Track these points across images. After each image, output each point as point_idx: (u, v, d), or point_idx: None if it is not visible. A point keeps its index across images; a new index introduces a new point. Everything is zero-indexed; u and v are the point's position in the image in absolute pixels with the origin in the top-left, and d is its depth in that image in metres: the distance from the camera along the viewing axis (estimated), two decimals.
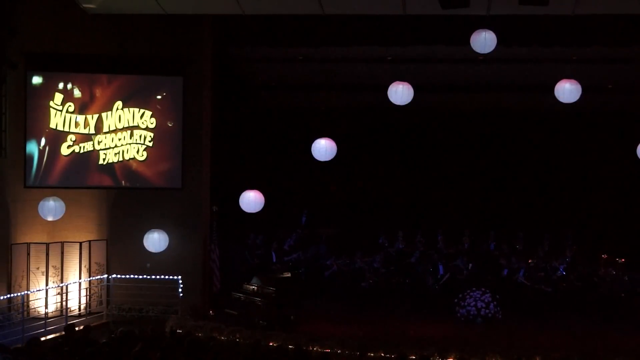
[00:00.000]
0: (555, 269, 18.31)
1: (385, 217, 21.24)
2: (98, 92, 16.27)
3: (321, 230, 20.88)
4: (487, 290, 16.86)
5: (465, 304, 16.65)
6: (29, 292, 15.88)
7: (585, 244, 19.62)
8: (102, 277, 16.62)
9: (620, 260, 18.38)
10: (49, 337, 14.54)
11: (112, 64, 16.31)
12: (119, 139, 16.28)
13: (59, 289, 16.26)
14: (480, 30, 13.79)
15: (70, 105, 16.21)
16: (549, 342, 14.92)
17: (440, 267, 18.77)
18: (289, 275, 16.83)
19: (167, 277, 16.28)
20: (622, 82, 18.70)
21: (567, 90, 14.83)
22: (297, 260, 19.44)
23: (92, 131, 16.25)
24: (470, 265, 18.71)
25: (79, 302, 16.45)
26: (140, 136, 16.34)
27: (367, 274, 18.76)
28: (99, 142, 16.27)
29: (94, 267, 16.64)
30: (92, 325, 14.73)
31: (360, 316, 16.91)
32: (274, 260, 19.23)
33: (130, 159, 16.31)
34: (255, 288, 16.12)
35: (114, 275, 16.54)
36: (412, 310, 17.53)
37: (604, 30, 15.56)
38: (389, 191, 21.77)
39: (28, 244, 16.24)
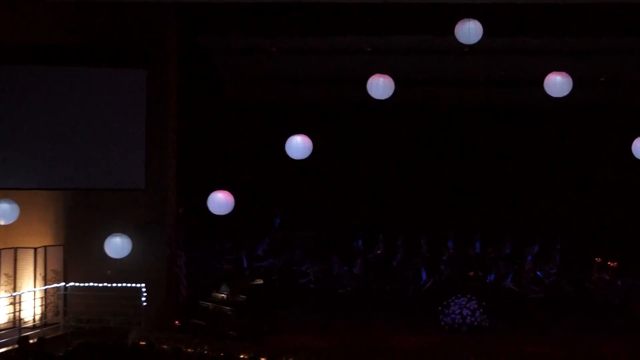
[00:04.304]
0: (545, 274, 18.35)
1: (365, 220, 21.21)
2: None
3: (296, 233, 20.86)
4: (473, 297, 16.86)
5: (450, 311, 16.62)
6: None
7: (577, 247, 19.70)
8: (58, 285, 16.45)
9: (612, 264, 18.46)
10: (0, 350, 14.34)
11: (69, 55, 16.13)
12: None
13: (12, 298, 16.05)
14: (465, 19, 13.76)
15: None
16: (538, 352, 14.94)
17: (423, 273, 18.77)
18: (261, 282, 16.80)
19: (129, 285, 16.18)
20: (616, 74, 18.80)
21: (558, 84, 14.81)
22: (269, 266, 19.37)
23: None
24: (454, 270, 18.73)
25: (34, 313, 16.25)
26: None
27: (345, 281, 18.71)
28: None
29: (49, 275, 16.46)
30: (47, 337, 14.46)
31: (337, 326, 16.84)
32: (245, 266, 19.20)
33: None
34: (225, 296, 16.07)
35: (72, 284, 16.39)
36: (393, 319, 17.50)
37: (596, 19, 15.61)
38: (368, 192, 21.73)
39: None
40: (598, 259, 18.75)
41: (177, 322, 16.48)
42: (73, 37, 16.15)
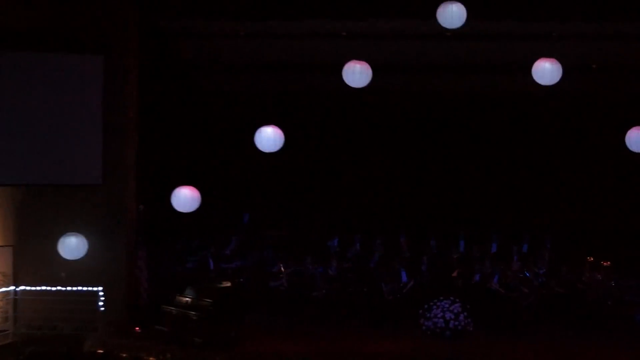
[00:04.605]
0: (534, 275, 18.48)
1: (341, 217, 21.26)
2: None
3: (266, 232, 20.84)
4: (457, 300, 16.96)
5: (432, 315, 16.72)
6: None
7: (567, 245, 19.83)
8: (7, 289, 16.36)
9: (605, 264, 18.63)
10: None
11: (20, 40, 16.05)
12: None
13: None
14: (448, 2, 13.85)
15: None
16: (526, 358, 15.05)
17: (403, 274, 18.82)
18: (229, 284, 16.79)
19: (85, 288, 16.16)
20: (608, 61, 18.94)
21: (547, 71, 14.98)
22: (238, 267, 19.34)
23: None
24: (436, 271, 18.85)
25: None
26: None
27: (319, 282, 18.74)
28: None
29: None
30: None
31: (311, 331, 16.95)
32: (212, 267, 19.11)
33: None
34: (190, 300, 16.06)
35: (23, 287, 16.34)
36: (371, 323, 17.62)
37: (587, 3, 15.73)
38: (344, 188, 21.78)
39: None
40: (590, 258, 18.89)
41: (137, 328, 16.45)
42: (25, 21, 16.06)
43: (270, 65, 19.52)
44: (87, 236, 15.82)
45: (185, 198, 15.96)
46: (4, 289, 16.34)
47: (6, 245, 16.52)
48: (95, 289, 16.18)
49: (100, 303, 16.14)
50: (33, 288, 16.26)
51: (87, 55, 16.24)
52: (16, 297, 16.33)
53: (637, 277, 18.85)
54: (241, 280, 18.30)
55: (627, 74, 19.43)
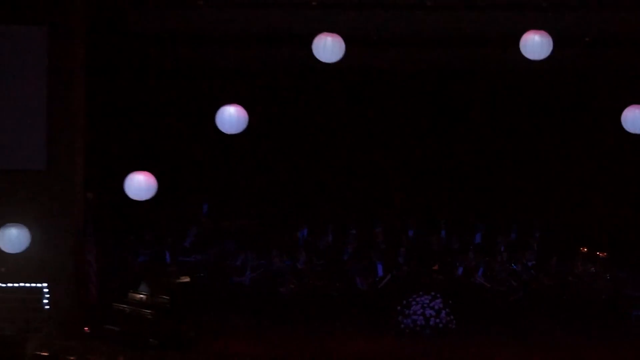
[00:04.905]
0: (522, 267, 18.54)
1: (311, 206, 21.24)
2: None
3: (229, 222, 20.79)
4: (438, 295, 16.98)
5: (411, 312, 16.77)
6: None
7: (558, 235, 19.90)
8: None
9: (601, 255, 18.70)
10: None
11: None
12: None
13: None
14: None
15: None
16: (513, 358, 15.08)
17: (379, 267, 18.83)
18: (188, 280, 16.77)
19: (28, 285, 16.07)
20: (602, 34, 18.95)
21: (536, 44, 14.91)
22: (197, 260, 19.29)
23: None
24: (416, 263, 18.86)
25: None
26: None
27: (287, 277, 18.70)
28: None
29: None
30: None
31: (279, 330, 16.95)
32: (168, 261, 19.05)
33: None
34: (144, 297, 16.04)
35: None
36: (345, 322, 17.58)
37: None
38: (314, 173, 21.71)
39: None
40: (584, 249, 18.98)
41: (86, 328, 16.39)
42: None
43: (232, 38, 19.36)
44: (30, 227, 15.57)
45: (140, 185, 15.79)
46: None
47: None
48: (39, 285, 16.10)
49: (45, 301, 16.07)
50: None
51: (30, 27, 16.05)
52: None
53: (635, 269, 18.94)
54: (201, 275, 18.28)
55: (623, 48, 19.47)
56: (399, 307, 16.97)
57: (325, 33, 15.14)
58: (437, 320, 16.64)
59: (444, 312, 16.73)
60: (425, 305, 16.79)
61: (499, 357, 15.36)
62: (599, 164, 20.98)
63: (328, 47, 15.03)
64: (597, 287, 18.16)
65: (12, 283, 16.04)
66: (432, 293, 17.07)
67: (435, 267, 18.79)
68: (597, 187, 20.91)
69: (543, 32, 14.91)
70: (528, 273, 18.45)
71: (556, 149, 21.32)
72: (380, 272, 18.85)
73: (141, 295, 16.05)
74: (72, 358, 13.72)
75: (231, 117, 15.90)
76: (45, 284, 16.07)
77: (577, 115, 21.00)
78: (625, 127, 15.71)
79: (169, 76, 21.10)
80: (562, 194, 21.07)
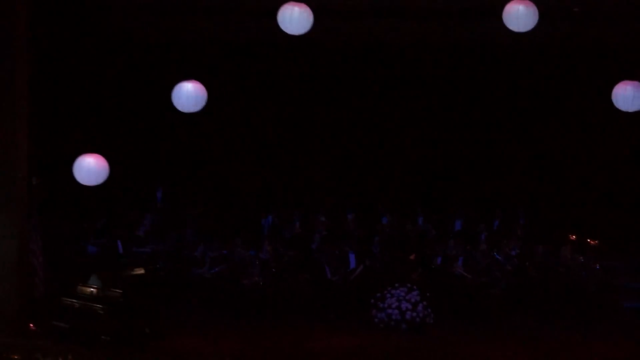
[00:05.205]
0: (505, 256, 18.62)
1: (276, 191, 21.25)
2: None
3: (186, 210, 20.76)
4: (415, 287, 17.05)
5: (385, 305, 16.84)
6: None
7: (545, 221, 20.00)
8: None
9: (592, 243, 18.81)
10: None
11: None
12: None
13: None
14: None
15: None
16: (495, 355, 15.18)
17: (352, 257, 18.87)
18: (143, 272, 16.78)
19: None
20: (592, 4, 19.03)
21: (521, 15, 14.96)
22: (153, 251, 19.27)
23: None
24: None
25: None
26: None
27: (251, 268, 18.71)
28: None
29: None
30: None
31: (241, 326, 16.95)
32: (121, 252, 19.02)
33: None
34: (95, 291, 15.95)
35: None
36: (314, 316, 17.62)
37: None
38: (279, 155, 21.73)
39: None
40: (572, 237, 19.09)
41: (31, 325, 16.33)
42: None
43: (190, 9, 19.29)
44: None
45: (90, 168, 15.73)
46: None
47: None
48: None
49: None
50: None
51: None
52: None
53: (627, 258, 19.10)
54: (157, 266, 18.23)
55: (614, 20, 19.54)
56: (372, 300, 17.03)
57: (292, 2, 15.13)
58: (414, 314, 16.70)
59: (421, 305, 16.78)
60: (401, 298, 16.84)
61: (479, 354, 15.44)
62: (590, 145, 21.11)
63: (294, 18, 15.02)
64: (587, 277, 18.29)
65: None
66: (409, 285, 17.12)
67: (412, 257, 18.84)
68: (587, 170, 21.05)
69: (528, 2, 14.98)
70: (512, 263, 18.54)
71: (543, 129, 21.42)
72: (352, 262, 18.89)
73: (92, 289, 15.94)
74: (16, 357, 13.63)
75: (188, 95, 15.86)
76: None
77: (565, 93, 21.10)
78: (616, 105, 15.83)
79: (121, 52, 21.04)
80: (549, 177, 21.22)
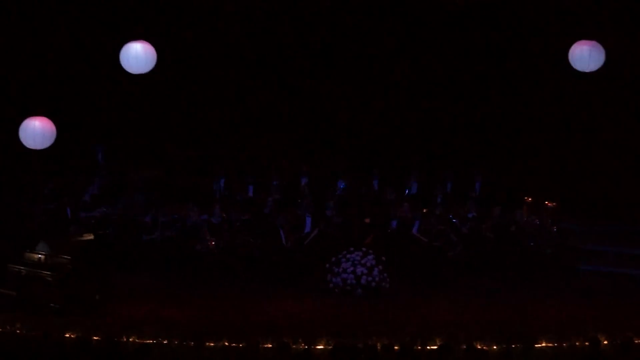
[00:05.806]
0: (461, 219, 18.72)
1: (228, 154, 21.17)
2: None
3: (136, 173, 20.67)
4: (370, 251, 17.11)
5: (340, 270, 16.90)
6: None
7: (501, 183, 20.08)
8: None
9: (550, 205, 18.93)
10: None
11: None
12: None
13: None
14: None
15: None
16: (451, 319, 15.31)
17: (308, 220, 18.87)
18: (92, 237, 16.73)
19: None
20: None
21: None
22: (102, 216, 19.16)
23: None
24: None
25: None
26: None
27: (203, 234, 18.67)
28: None
29: None
30: None
31: (194, 292, 16.93)
32: (69, 217, 18.91)
33: None
34: (43, 258, 15.90)
35: None
36: (267, 282, 17.64)
37: None
38: (232, 115, 21.62)
39: None
40: (529, 199, 19.19)
41: None
42: None
43: None
44: None
45: (36, 131, 15.73)
46: None
47: None
48: None
49: None
50: None
51: None
52: None
53: (584, 220, 19.27)
54: (106, 232, 18.16)
55: None
56: (327, 265, 17.08)
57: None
58: (370, 279, 16.75)
59: (376, 269, 16.84)
60: (356, 262, 16.88)
61: (436, 318, 15.46)
62: (546, 105, 21.10)
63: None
64: (543, 240, 18.43)
65: None
66: (364, 249, 17.18)
67: (367, 221, 18.88)
68: (544, 131, 21.06)
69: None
70: (467, 226, 18.64)
71: (498, 89, 21.38)
72: (307, 227, 18.89)
73: (39, 255, 15.89)
74: None
75: (137, 54, 15.82)
76: None
77: (521, 54, 21.10)
78: (572, 65, 15.96)
79: (66, 8, 20.77)
80: (505, 138, 21.20)
